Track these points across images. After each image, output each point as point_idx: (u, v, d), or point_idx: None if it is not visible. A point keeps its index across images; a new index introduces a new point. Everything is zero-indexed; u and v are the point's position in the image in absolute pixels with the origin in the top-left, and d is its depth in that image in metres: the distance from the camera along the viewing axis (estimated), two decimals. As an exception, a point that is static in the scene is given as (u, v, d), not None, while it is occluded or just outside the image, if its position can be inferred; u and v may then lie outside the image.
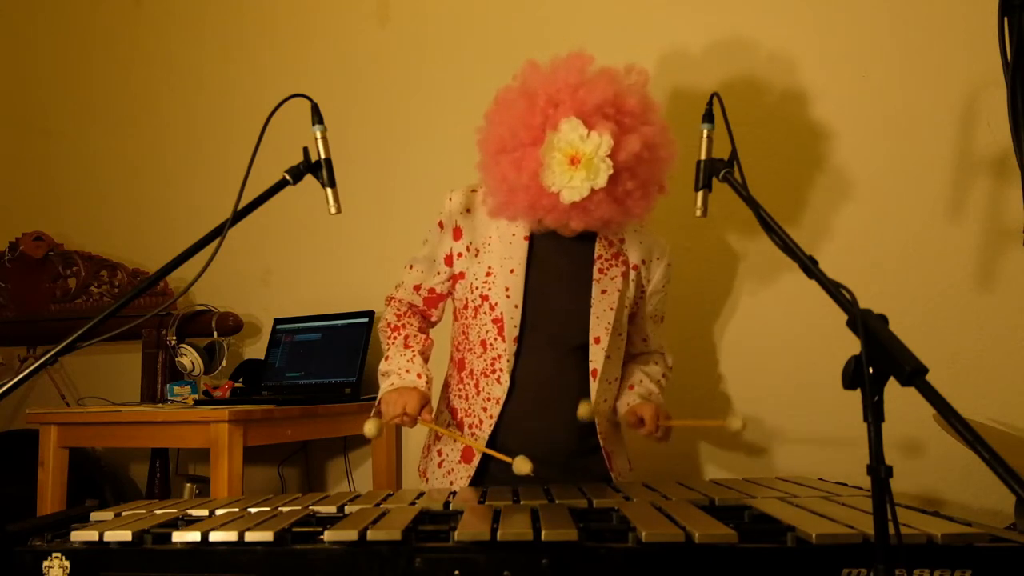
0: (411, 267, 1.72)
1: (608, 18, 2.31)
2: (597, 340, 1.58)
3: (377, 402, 1.58)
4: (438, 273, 1.68)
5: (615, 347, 1.61)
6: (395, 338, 1.66)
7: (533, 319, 1.58)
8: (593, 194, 1.39)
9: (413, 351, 1.62)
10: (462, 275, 1.64)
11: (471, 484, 1.59)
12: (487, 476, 1.60)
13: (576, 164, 1.38)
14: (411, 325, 1.68)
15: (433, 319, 1.75)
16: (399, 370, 1.58)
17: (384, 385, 1.58)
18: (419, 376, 1.57)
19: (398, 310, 1.71)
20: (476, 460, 1.59)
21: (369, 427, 1.42)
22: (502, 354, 1.57)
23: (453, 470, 1.63)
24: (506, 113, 1.47)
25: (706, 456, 2.13)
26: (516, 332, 1.57)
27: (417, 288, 1.71)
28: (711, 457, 2.12)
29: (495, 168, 1.48)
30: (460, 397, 1.65)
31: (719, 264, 2.14)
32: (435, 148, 2.53)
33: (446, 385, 1.72)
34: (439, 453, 1.68)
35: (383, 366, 1.62)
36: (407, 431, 2.53)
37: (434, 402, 1.68)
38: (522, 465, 1.37)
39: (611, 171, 1.37)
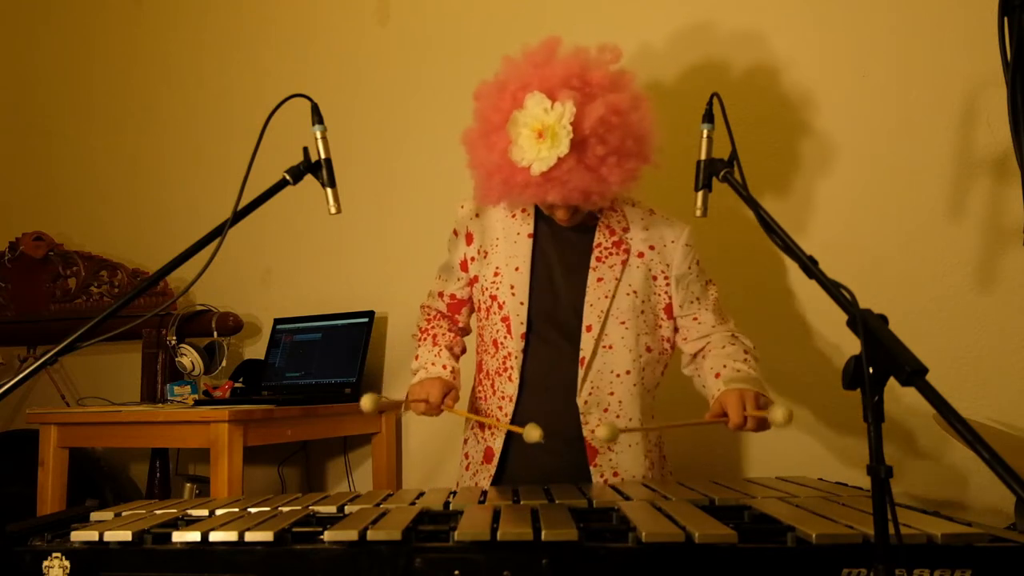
0: (438, 276, 1.77)
1: (609, 16, 2.31)
2: (588, 328, 1.57)
3: (406, 396, 1.62)
4: (458, 279, 1.72)
5: (618, 336, 1.58)
6: (424, 338, 1.71)
7: (539, 315, 1.60)
8: (562, 163, 1.41)
9: (440, 347, 1.67)
10: (476, 279, 1.68)
11: (494, 483, 1.60)
12: (506, 474, 1.60)
13: (543, 137, 1.41)
14: (440, 327, 1.73)
15: (460, 324, 1.77)
16: (426, 364, 1.64)
17: (414, 380, 1.62)
18: (444, 367, 1.62)
19: (428, 315, 1.77)
20: (496, 459, 1.60)
21: (365, 401, 1.48)
22: (512, 351, 1.59)
23: (478, 471, 1.64)
24: (480, 104, 1.53)
25: (708, 456, 2.12)
26: (523, 329, 1.58)
27: (440, 295, 1.76)
28: (712, 457, 2.12)
29: (474, 156, 1.53)
30: (480, 398, 1.68)
31: (718, 265, 2.13)
32: (435, 148, 2.53)
33: (473, 388, 1.75)
34: (466, 456, 1.71)
35: (413, 364, 1.68)
36: (407, 431, 2.53)
37: (465, 397, 1.71)
38: (532, 432, 1.38)
39: (571, 136, 1.39)
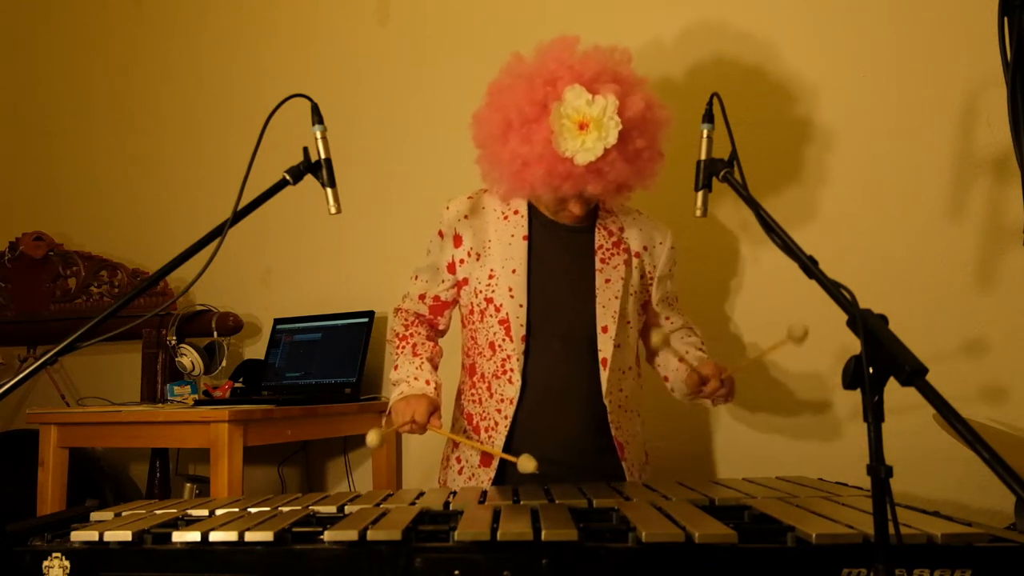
0: (416, 277, 1.74)
1: (610, 17, 2.31)
2: (605, 329, 1.59)
3: (387, 411, 1.60)
4: (442, 281, 1.69)
5: (624, 336, 1.62)
6: (403, 347, 1.67)
7: (539, 316, 1.59)
8: (607, 154, 1.43)
9: (421, 359, 1.64)
10: (466, 281, 1.66)
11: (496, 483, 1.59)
12: (507, 478, 1.59)
13: (585, 129, 1.42)
14: (419, 334, 1.70)
15: (440, 327, 1.76)
16: (408, 378, 1.59)
17: (394, 394, 1.59)
18: (428, 383, 1.58)
19: (405, 320, 1.73)
20: (495, 463, 1.59)
21: (371, 437, 1.38)
22: (512, 354, 1.57)
23: (474, 475, 1.62)
24: (505, 97, 1.50)
25: (709, 456, 2.12)
26: (523, 331, 1.58)
27: (422, 297, 1.73)
28: (713, 456, 2.12)
29: (503, 149, 1.50)
30: (474, 402, 1.65)
31: (718, 264, 2.14)
32: (435, 148, 2.53)
33: (460, 392, 1.73)
34: (458, 460, 1.68)
35: (393, 375, 1.64)
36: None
37: (447, 410, 1.69)
38: (527, 463, 1.37)
39: (620, 127, 1.41)
